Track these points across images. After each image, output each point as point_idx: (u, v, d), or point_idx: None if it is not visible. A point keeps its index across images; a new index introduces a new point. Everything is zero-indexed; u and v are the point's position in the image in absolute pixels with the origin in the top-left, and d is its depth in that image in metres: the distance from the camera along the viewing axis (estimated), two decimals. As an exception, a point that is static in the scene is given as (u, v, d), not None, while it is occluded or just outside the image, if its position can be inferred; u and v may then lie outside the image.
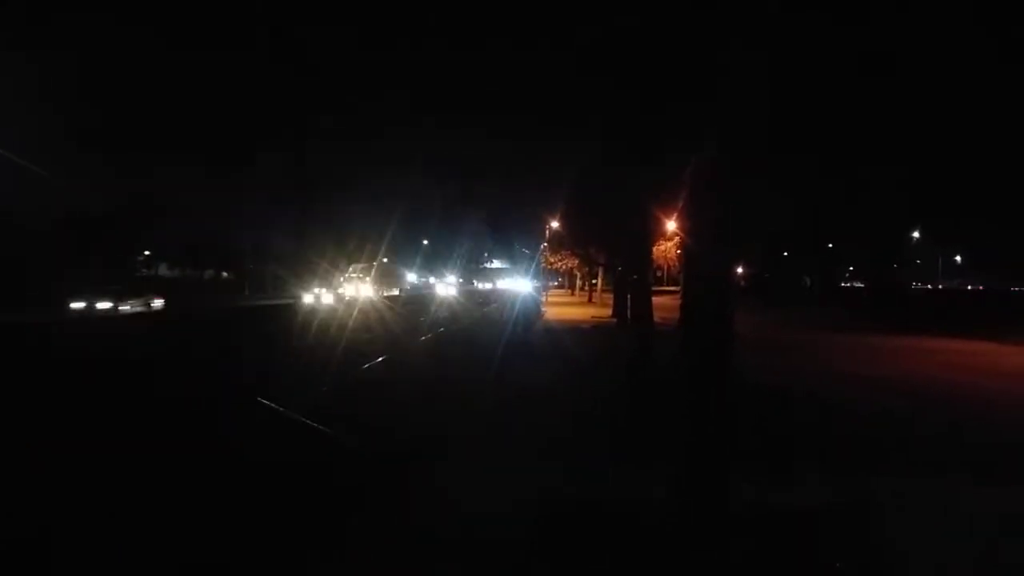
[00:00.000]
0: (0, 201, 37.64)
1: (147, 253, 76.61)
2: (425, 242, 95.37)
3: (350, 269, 64.26)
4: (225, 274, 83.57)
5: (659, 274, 50.57)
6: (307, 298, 49.17)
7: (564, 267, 57.95)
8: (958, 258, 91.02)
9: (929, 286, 75.19)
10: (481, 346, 20.67)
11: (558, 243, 46.52)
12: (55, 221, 48.89)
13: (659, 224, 28.23)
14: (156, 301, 42.03)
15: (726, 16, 5.26)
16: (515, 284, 68.43)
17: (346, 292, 56.42)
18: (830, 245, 65.39)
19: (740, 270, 50.66)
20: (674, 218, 26.81)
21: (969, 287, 74.84)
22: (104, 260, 54.56)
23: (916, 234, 61.55)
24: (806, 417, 10.59)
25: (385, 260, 70.70)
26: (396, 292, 66.26)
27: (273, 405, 9.42)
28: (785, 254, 66.03)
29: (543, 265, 57.40)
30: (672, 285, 62.79)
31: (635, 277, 26.61)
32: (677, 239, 32.56)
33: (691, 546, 5.16)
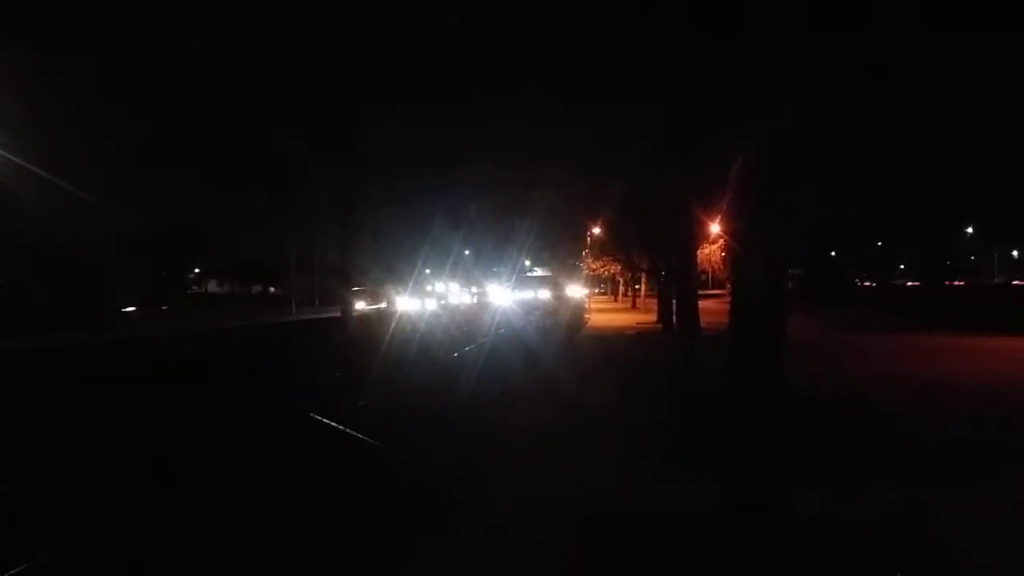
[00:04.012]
0: (42, 225, 38.75)
1: (196, 271, 78.45)
2: (467, 252, 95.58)
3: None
4: (272, 289, 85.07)
5: (704, 277, 49.95)
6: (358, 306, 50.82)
7: (607, 273, 57.63)
8: (1015, 253, 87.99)
9: (943, 283, 70.90)
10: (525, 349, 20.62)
11: (599, 249, 46.31)
12: (90, 241, 49.99)
13: (703, 227, 27.95)
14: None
15: (757, 25, 5.15)
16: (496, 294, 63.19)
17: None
18: (880, 244, 63.91)
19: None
20: (718, 221, 26.50)
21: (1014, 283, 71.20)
22: (150, 279, 55.83)
23: (970, 230, 59.76)
24: (862, 423, 10.27)
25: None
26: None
27: (325, 420, 9.60)
28: (833, 254, 64.72)
29: (586, 271, 57.06)
30: (717, 288, 61.99)
31: (679, 282, 26.36)
32: (721, 242, 32.13)
33: (749, 557, 5.01)
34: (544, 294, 53.21)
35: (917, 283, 64.24)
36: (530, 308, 46.23)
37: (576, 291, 56.01)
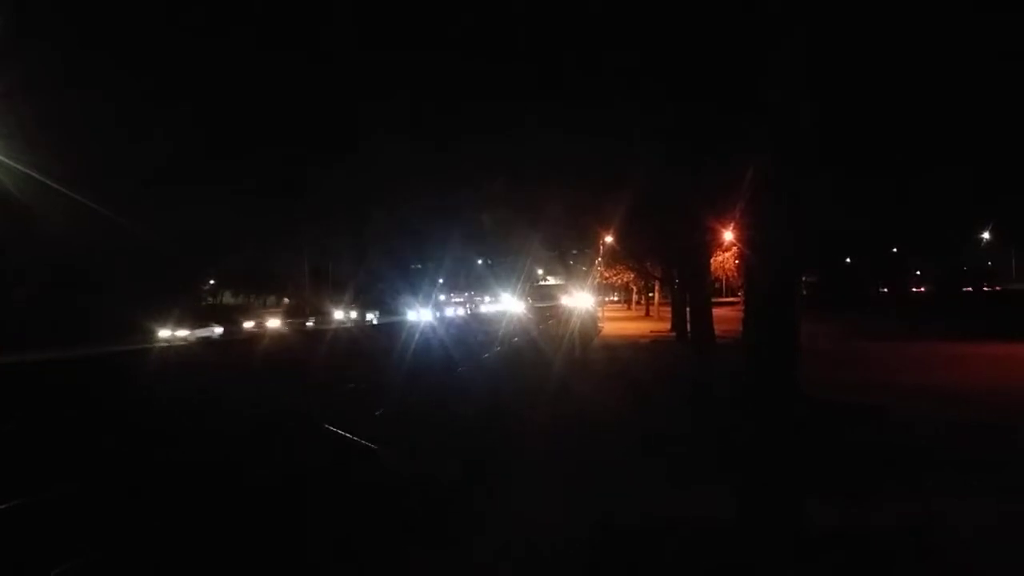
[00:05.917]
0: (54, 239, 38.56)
1: (212, 282, 78.72)
2: (480, 262, 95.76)
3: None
4: (287, 300, 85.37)
5: (717, 285, 49.72)
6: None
7: (620, 281, 57.48)
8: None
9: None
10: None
11: (612, 257, 46.20)
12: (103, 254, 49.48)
13: (716, 234, 27.80)
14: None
15: (765, 28, 5.13)
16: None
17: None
18: (895, 250, 63.30)
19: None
20: (731, 228, 26.38)
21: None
22: (164, 290, 55.67)
23: (987, 235, 59.03)
24: (876, 433, 10.18)
25: None
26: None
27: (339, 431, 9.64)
28: (848, 260, 64.21)
29: (599, 279, 56.93)
30: (731, 296, 61.70)
31: (693, 290, 26.27)
32: (734, 249, 31.98)
33: (761, 568, 5.00)
34: (554, 303, 52.85)
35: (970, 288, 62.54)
36: (536, 319, 45.83)
37: (586, 299, 55.52)
